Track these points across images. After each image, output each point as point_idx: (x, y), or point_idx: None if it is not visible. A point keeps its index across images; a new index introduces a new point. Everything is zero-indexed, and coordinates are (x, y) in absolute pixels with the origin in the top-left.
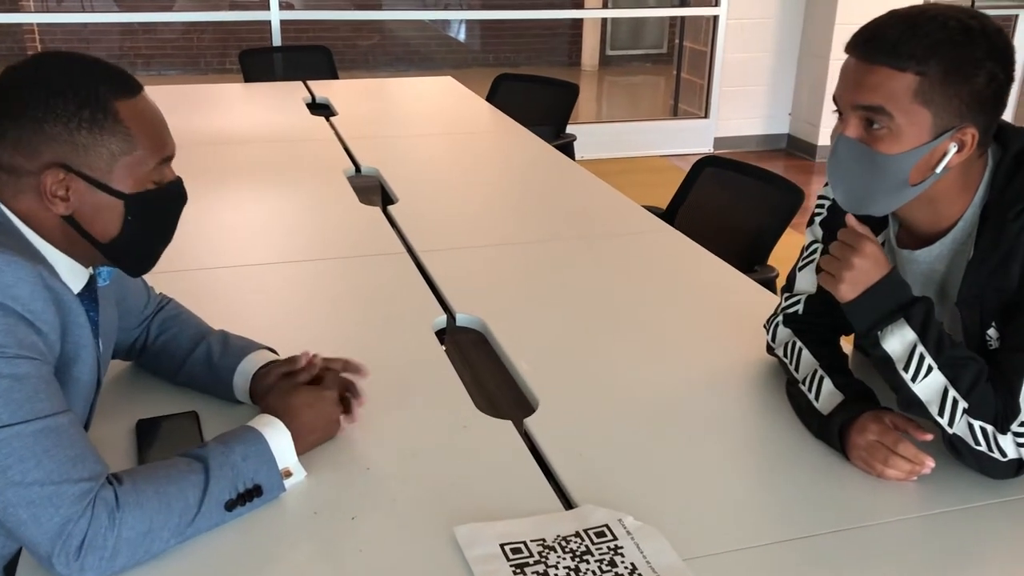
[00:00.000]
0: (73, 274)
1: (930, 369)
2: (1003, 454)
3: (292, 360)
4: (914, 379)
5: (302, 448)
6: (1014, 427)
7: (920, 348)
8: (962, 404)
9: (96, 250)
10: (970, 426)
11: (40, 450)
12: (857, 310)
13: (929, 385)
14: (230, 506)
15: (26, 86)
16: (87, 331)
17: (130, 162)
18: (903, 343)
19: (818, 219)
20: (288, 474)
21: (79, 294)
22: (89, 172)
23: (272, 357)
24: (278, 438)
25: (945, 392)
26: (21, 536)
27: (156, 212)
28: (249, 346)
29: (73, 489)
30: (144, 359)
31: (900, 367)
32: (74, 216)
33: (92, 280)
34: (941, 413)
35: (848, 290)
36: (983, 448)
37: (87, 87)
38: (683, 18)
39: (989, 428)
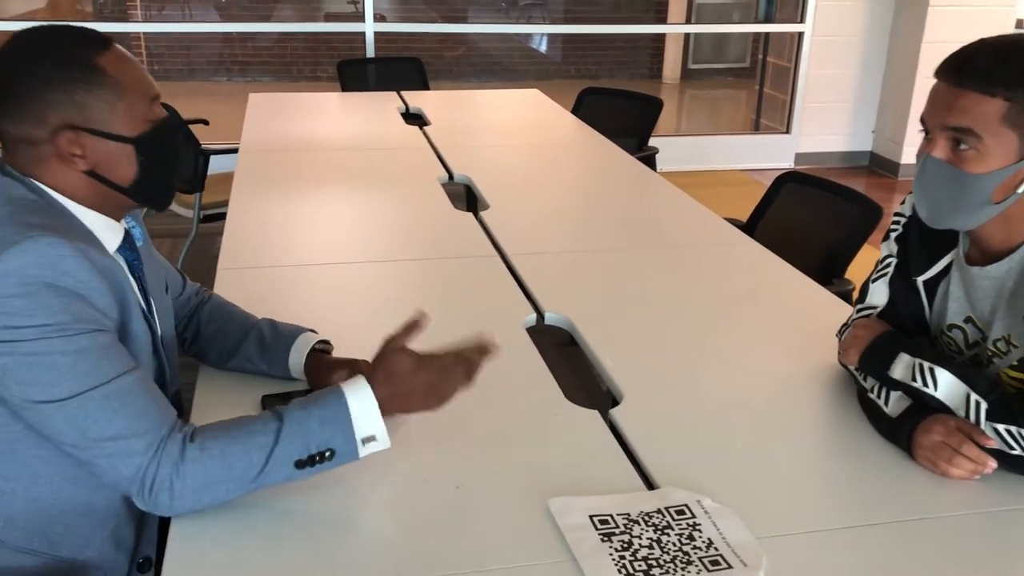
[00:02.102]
0: (110, 231)
1: (933, 371)
2: None
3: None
4: (926, 384)
5: (394, 412)
6: None
7: (917, 360)
8: (984, 405)
9: (124, 196)
10: (996, 431)
11: (110, 411)
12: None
13: (948, 388)
14: (300, 465)
15: (10, 64)
16: (126, 286)
17: (125, 107)
18: (903, 364)
19: (893, 235)
20: (372, 439)
21: (119, 248)
22: (94, 126)
23: (317, 337)
24: (362, 405)
25: (967, 396)
26: (108, 480)
27: (163, 147)
28: (298, 329)
29: (140, 442)
30: (195, 349)
31: (910, 380)
32: (95, 170)
33: (127, 234)
34: (967, 416)
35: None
36: (1019, 452)
37: (65, 50)
38: (767, 34)
39: (1014, 429)
